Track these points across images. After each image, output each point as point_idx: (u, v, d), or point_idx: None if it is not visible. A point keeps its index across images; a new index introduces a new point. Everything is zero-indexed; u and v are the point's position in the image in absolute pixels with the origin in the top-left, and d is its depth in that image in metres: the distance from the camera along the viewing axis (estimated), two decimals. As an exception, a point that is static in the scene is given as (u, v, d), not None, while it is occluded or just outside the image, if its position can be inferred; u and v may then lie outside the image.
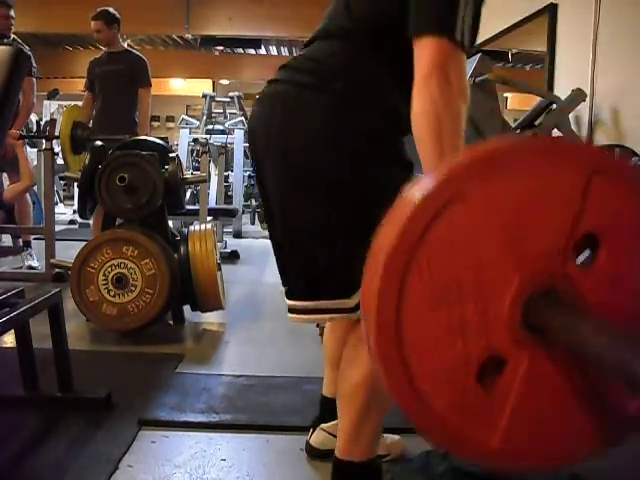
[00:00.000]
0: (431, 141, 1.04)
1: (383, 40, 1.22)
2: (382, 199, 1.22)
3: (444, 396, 0.80)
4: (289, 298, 1.35)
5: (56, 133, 3.91)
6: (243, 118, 7.27)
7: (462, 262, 0.77)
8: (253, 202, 6.98)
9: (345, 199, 1.22)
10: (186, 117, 7.46)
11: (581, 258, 0.81)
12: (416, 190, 0.79)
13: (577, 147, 0.82)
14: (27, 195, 4.39)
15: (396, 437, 1.77)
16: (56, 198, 7.12)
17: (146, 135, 4.23)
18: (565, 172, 0.78)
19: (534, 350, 0.79)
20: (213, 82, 12.07)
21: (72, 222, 6.98)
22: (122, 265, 2.70)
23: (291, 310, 1.35)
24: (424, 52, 1.08)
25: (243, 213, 6.71)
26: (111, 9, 4.39)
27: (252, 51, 11.06)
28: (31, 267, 4.22)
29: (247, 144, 1.40)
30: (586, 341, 0.70)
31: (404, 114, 1.17)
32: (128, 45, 4.82)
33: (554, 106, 3.95)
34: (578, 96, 3.83)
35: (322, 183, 1.22)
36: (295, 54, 1.39)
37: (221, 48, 10.44)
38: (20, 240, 4.47)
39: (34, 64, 4.10)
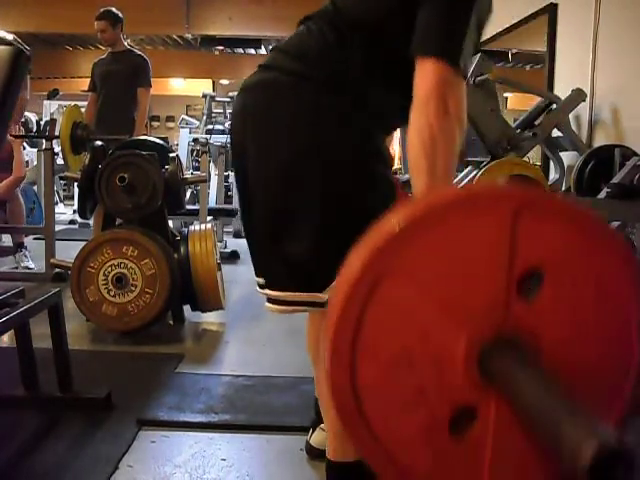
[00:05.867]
0: (424, 163, 1.06)
1: (373, 41, 1.23)
2: (361, 192, 1.24)
3: (423, 459, 0.81)
4: (266, 288, 1.34)
5: (56, 133, 3.91)
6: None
7: (406, 333, 0.78)
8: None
9: (326, 191, 1.23)
10: (186, 117, 7.47)
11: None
12: (344, 275, 0.80)
13: (495, 191, 0.81)
14: (19, 196, 4.37)
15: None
16: (56, 198, 7.12)
17: (144, 135, 4.24)
18: (487, 220, 0.77)
19: (498, 395, 0.79)
20: (213, 82, 12.07)
21: (72, 222, 6.97)
22: (122, 265, 2.70)
23: (269, 300, 1.34)
24: (426, 74, 1.09)
25: (243, 213, 6.69)
26: (114, 9, 4.39)
27: (252, 51, 11.06)
28: (27, 268, 4.21)
29: (230, 132, 1.40)
30: (522, 399, 0.71)
31: (387, 113, 1.21)
32: (128, 45, 4.81)
33: (554, 106, 3.96)
34: (578, 96, 3.83)
35: (302, 174, 1.23)
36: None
37: (221, 48, 10.44)
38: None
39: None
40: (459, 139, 1.08)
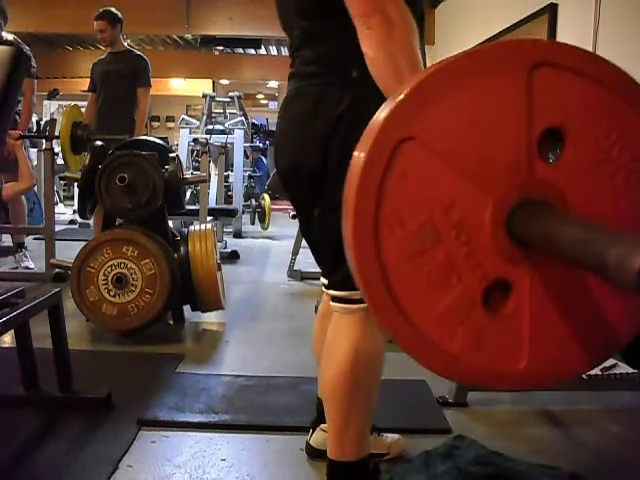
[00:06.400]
0: (392, 82, 1.01)
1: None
2: None
3: (458, 338, 0.78)
4: (329, 288, 1.36)
5: (56, 133, 3.91)
6: (243, 118, 7.27)
7: (429, 203, 0.75)
8: (253, 202, 6.98)
9: None
10: (186, 117, 7.45)
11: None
12: (362, 142, 0.77)
13: (507, 48, 0.76)
14: (22, 197, 4.37)
15: (396, 436, 1.77)
16: (56, 198, 7.12)
17: (144, 135, 4.24)
18: (501, 77, 0.74)
19: (532, 263, 0.77)
20: (213, 82, 12.05)
21: (72, 222, 6.97)
22: (122, 265, 2.70)
23: (332, 299, 1.35)
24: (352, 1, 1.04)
25: (243, 213, 6.70)
26: (113, 9, 4.39)
27: (252, 51, 11.05)
28: (27, 268, 4.22)
29: (274, 148, 1.41)
30: (559, 240, 0.68)
31: None
32: (128, 45, 4.81)
33: (554, 106, 3.95)
34: (578, 96, 3.83)
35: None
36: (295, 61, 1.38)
37: (221, 48, 10.43)
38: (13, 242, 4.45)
39: (33, 64, 4.09)
40: (415, 42, 1.04)
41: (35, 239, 4.92)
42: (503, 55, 0.75)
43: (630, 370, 2.11)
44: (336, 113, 1.21)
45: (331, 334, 1.34)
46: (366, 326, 1.27)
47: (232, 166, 6.78)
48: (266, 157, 9.75)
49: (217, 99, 7.60)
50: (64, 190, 9.20)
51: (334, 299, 1.32)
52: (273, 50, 11.11)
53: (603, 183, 0.77)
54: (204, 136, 5.57)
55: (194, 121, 7.32)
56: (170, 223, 3.14)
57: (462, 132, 0.74)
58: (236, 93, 7.60)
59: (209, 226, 3.10)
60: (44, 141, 4.09)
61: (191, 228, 3.08)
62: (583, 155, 0.77)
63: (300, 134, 1.27)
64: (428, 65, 1.08)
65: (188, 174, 4.14)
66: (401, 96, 0.75)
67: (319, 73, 1.26)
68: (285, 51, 11.01)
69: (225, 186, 6.67)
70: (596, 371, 2.06)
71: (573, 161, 0.77)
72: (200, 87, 10.42)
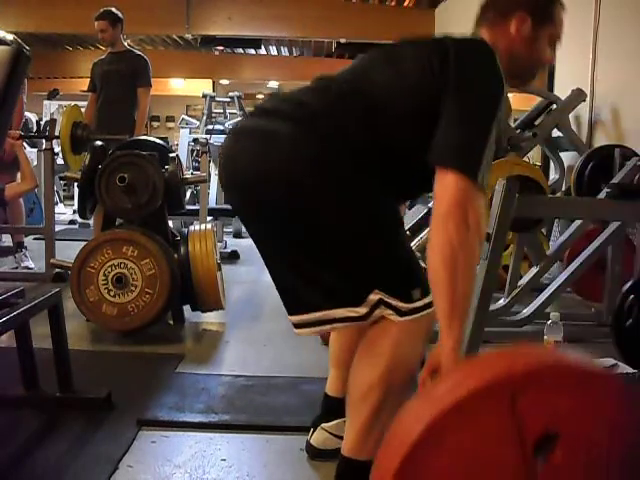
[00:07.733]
0: (445, 278, 1.08)
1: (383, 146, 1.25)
2: (372, 221, 1.25)
3: None
4: (295, 314, 1.36)
5: (56, 133, 3.91)
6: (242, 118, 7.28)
7: None
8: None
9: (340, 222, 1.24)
10: (186, 117, 7.48)
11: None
12: None
13: (486, 385, 0.80)
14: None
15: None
16: (56, 198, 7.11)
17: (144, 135, 4.24)
18: (486, 416, 0.78)
19: None
20: (213, 82, 12.06)
21: (72, 222, 6.97)
22: (122, 265, 2.70)
23: (299, 325, 1.35)
24: (447, 188, 1.10)
25: (243, 213, 6.69)
26: (114, 9, 4.39)
27: (252, 51, 11.06)
28: (27, 268, 4.22)
29: (222, 172, 1.38)
30: None
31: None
32: (128, 45, 4.81)
33: (554, 106, 3.96)
34: (578, 96, 3.83)
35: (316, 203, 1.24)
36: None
37: (221, 48, 10.43)
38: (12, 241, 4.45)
39: None
40: (478, 253, 1.11)
41: (35, 239, 4.92)
42: (482, 397, 0.79)
43: (630, 370, 2.11)
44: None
45: (371, 338, 1.33)
46: (408, 335, 1.27)
47: (232, 166, 6.76)
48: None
49: (217, 99, 7.61)
50: (64, 190, 9.20)
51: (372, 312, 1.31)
52: (273, 50, 11.11)
53: (601, 471, 0.82)
54: (204, 136, 5.57)
55: (194, 121, 7.33)
56: (170, 223, 3.14)
57: (463, 475, 0.79)
58: (236, 93, 7.60)
59: (209, 226, 3.10)
60: (44, 141, 4.09)
61: (191, 228, 3.09)
62: (577, 451, 0.81)
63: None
64: None
65: (188, 174, 4.14)
66: (398, 460, 0.78)
67: (292, 109, 1.27)
68: (285, 51, 11.01)
69: (225, 186, 6.66)
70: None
71: (569, 458, 0.80)
72: (200, 87, 10.43)
